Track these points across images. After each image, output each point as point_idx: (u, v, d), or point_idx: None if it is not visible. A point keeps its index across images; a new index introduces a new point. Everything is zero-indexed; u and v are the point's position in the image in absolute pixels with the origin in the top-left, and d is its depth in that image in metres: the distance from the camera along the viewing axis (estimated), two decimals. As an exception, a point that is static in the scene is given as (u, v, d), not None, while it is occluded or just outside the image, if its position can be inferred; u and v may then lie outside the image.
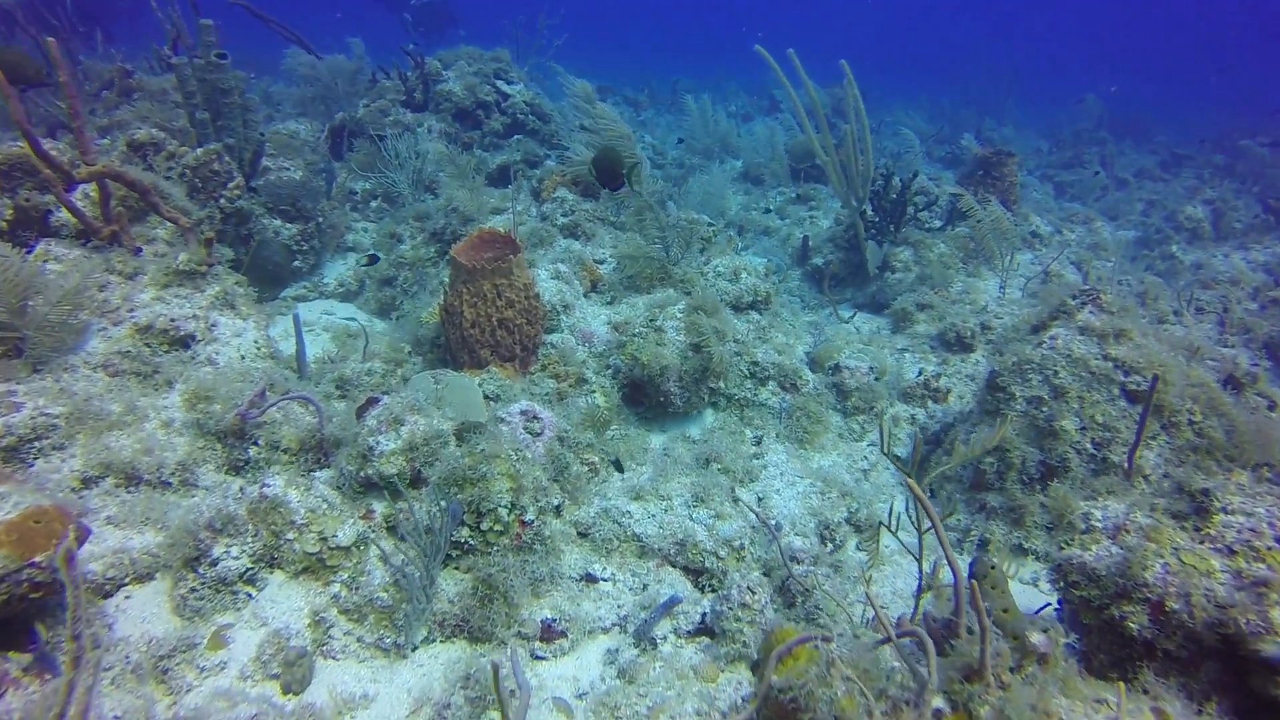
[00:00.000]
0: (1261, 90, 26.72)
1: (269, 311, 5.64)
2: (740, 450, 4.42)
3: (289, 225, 6.41)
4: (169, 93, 6.87)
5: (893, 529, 3.07)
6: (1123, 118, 16.98)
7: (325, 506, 2.86)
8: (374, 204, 7.85)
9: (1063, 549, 2.91)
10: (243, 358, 4.35)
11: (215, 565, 2.68)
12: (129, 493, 3.25)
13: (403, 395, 3.18)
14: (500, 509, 2.90)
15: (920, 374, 5.65)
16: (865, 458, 4.96)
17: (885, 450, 3.08)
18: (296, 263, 6.48)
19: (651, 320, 4.86)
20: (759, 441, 4.73)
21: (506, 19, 11.88)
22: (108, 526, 2.93)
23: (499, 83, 8.82)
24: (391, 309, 6.23)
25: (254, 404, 3.63)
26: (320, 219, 6.64)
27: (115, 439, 3.39)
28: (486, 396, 4.25)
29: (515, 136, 8.65)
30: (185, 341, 4.22)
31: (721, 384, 4.89)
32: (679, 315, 4.87)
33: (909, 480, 1.88)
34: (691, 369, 4.65)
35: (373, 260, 6.23)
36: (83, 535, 2.26)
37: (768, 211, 9.20)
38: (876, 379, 5.38)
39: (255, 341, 4.51)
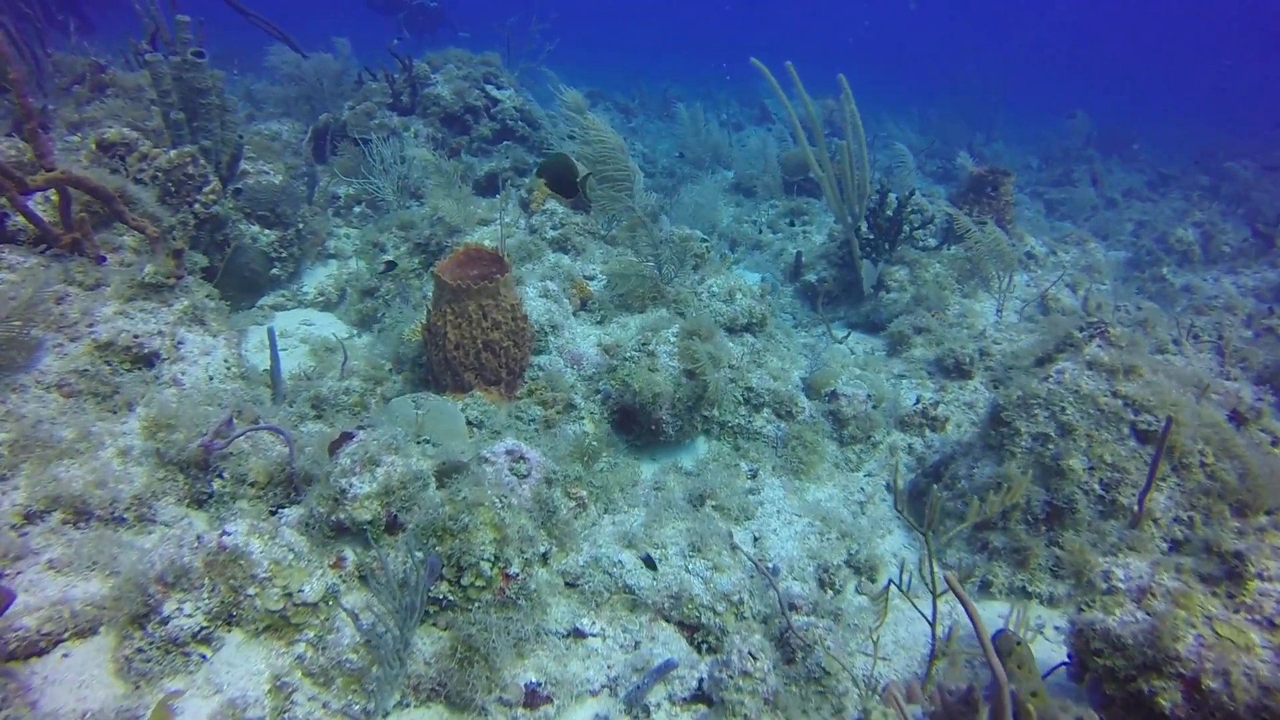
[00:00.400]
0: (1256, 104, 26.92)
1: (244, 322, 5.38)
2: (735, 485, 4.22)
3: (267, 231, 6.14)
4: (144, 90, 6.57)
5: (903, 588, 2.87)
6: (1110, 136, 17.00)
7: (291, 557, 2.61)
8: (357, 210, 7.59)
9: (1083, 611, 2.74)
10: (211, 378, 4.09)
11: (166, 624, 2.42)
12: (78, 530, 2.99)
13: (379, 432, 2.94)
14: (483, 562, 2.67)
15: (918, 401, 5.48)
16: (862, 489, 4.78)
17: (898, 507, 2.88)
18: (275, 270, 6.21)
19: (644, 344, 4.65)
20: (754, 475, 4.53)
21: (497, 21, 11.64)
22: (49, 572, 2.67)
23: (488, 87, 8.58)
24: (373, 321, 5.98)
25: (219, 433, 3.38)
26: (300, 225, 6.37)
27: (65, 469, 3.13)
28: (470, 422, 4.02)
29: (504, 143, 8.42)
30: (149, 360, 3.95)
31: (715, 412, 4.69)
32: (672, 339, 4.67)
33: (949, 579, 1.68)
34: (685, 396, 4.44)
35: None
36: (4, 601, 2.01)
37: (761, 232, 9.03)
38: (874, 407, 5.20)
39: (225, 360, 4.25)
